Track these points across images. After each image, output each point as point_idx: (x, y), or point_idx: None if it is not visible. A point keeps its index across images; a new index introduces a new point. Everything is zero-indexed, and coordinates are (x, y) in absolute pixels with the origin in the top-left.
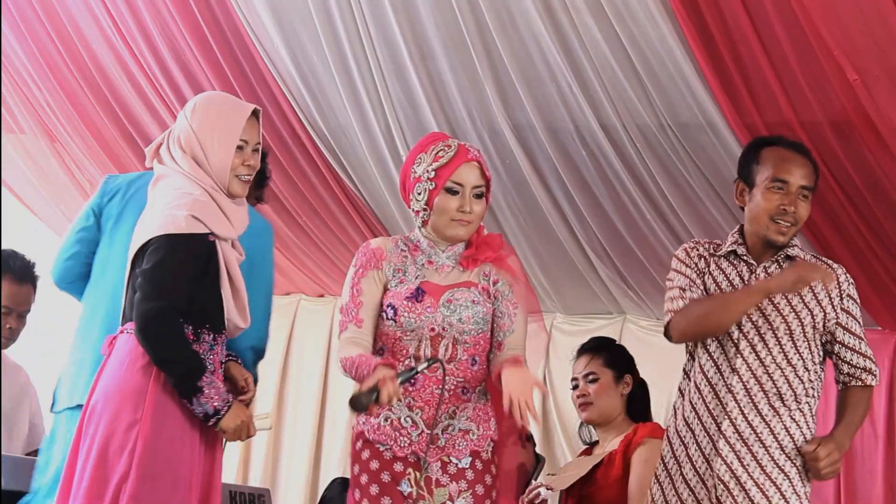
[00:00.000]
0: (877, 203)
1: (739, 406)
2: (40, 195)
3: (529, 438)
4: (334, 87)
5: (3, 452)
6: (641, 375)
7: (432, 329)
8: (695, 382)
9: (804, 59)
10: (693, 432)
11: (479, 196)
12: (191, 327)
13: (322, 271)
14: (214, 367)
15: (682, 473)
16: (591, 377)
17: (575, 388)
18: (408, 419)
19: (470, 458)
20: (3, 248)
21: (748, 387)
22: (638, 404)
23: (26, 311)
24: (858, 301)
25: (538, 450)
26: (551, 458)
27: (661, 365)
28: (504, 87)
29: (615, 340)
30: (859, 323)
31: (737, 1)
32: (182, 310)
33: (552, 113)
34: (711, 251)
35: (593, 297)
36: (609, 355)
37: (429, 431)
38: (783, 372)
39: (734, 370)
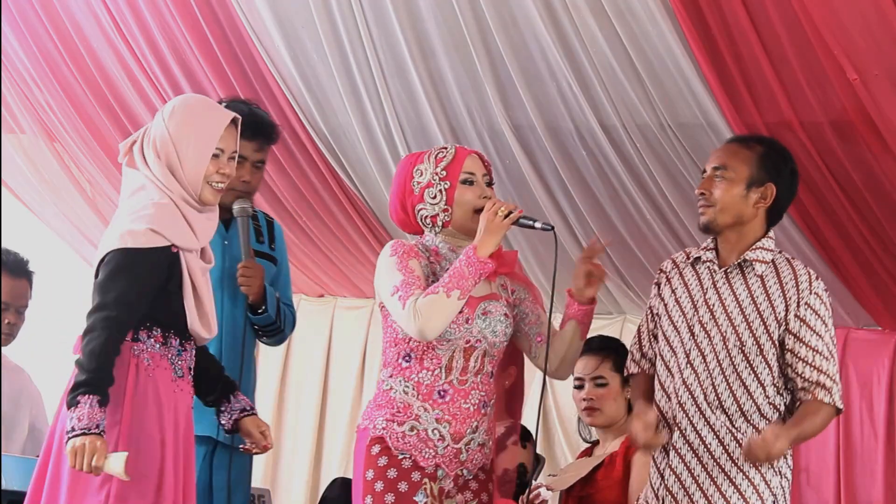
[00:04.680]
0: (877, 203)
1: (689, 418)
2: (40, 195)
3: (529, 438)
4: (334, 87)
5: (2, 452)
6: None
7: (467, 340)
8: (656, 397)
9: (804, 59)
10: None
11: (488, 184)
12: (159, 330)
13: (322, 271)
14: (183, 372)
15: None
16: (599, 381)
17: (579, 387)
18: (435, 431)
19: (477, 471)
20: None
21: (696, 399)
22: None
23: (24, 306)
24: (823, 312)
25: (538, 450)
26: (551, 458)
27: None
28: (504, 87)
29: (620, 340)
30: (818, 335)
31: (737, 0)
32: (127, 321)
33: (552, 113)
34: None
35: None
36: (617, 358)
37: (455, 445)
38: (729, 385)
39: (683, 381)
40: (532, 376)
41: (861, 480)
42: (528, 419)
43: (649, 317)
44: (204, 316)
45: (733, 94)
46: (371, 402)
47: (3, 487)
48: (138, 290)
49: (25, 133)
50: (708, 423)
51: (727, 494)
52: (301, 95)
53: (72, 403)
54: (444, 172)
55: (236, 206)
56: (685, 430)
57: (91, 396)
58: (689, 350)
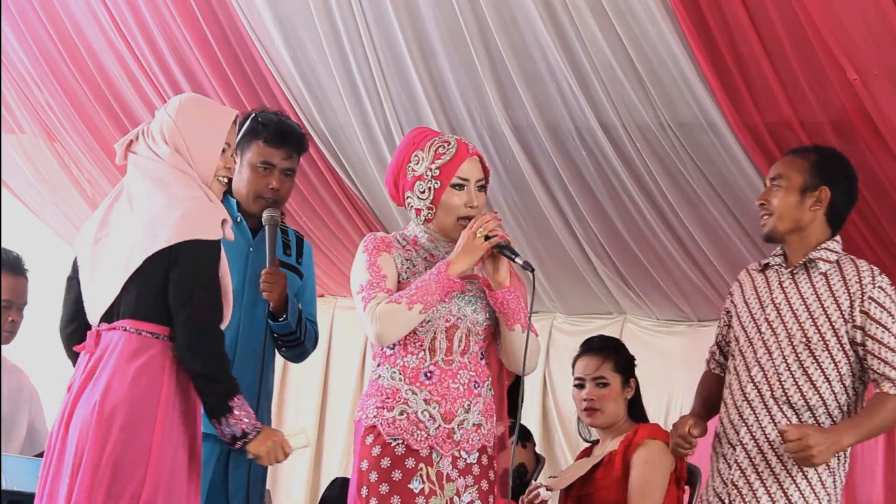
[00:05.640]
0: (877, 203)
1: (756, 414)
2: (40, 195)
3: (529, 438)
4: (334, 87)
5: (2, 452)
6: (641, 375)
7: (447, 320)
8: (724, 395)
9: (804, 58)
10: (721, 442)
11: (481, 189)
12: None
13: (322, 271)
14: None
15: (712, 484)
16: (600, 381)
17: (580, 387)
18: (425, 413)
19: (478, 454)
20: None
21: (763, 396)
22: (638, 405)
23: (24, 304)
24: (889, 304)
25: (538, 450)
26: (551, 458)
27: (661, 365)
28: (504, 87)
29: (620, 340)
30: (884, 327)
31: (737, 0)
32: (222, 317)
33: (552, 113)
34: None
35: (593, 297)
36: (618, 359)
37: (447, 426)
38: (795, 380)
39: (751, 379)
40: (533, 376)
41: (861, 480)
42: (529, 419)
43: (721, 322)
44: (227, 304)
45: (733, 94)
46: (364, 394)
47: (4, 488)
48: (219, 283)
49: (25, 133)
50: (773, 419)
51: (788, 492)
52: (301, 95)
53: (224, 411)
54: (438, 171)
55: (266, 215)
56: (752, 426)
57: (238, 397)
58: (757, 348)
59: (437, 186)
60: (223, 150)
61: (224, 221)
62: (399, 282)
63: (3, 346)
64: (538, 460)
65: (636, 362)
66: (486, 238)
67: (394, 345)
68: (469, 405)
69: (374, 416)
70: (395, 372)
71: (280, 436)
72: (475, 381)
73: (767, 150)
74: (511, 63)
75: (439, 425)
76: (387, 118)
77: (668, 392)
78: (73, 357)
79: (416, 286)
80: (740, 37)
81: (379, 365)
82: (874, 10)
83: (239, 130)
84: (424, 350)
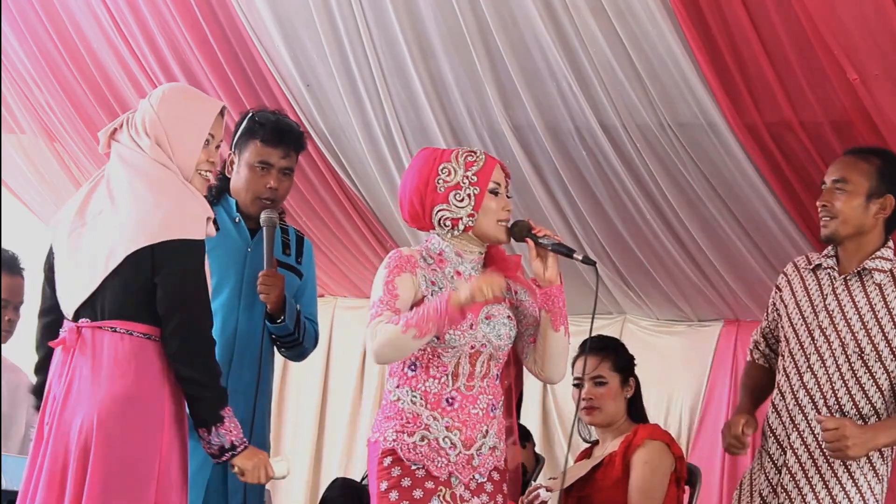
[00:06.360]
0: None
1: (807, 420)
2: (40, 195)
3: (529, 438)
4: (334, 87)
5: (2, 452)
6: (641, 375)
7: (472, 346)
8: (774, 395)
9: (804, 58)
10: (768, 441)
11: (508, 196)
12: None
13: (322, 271)
14: None
15: (756, 481)
16: (598, 381)
17: (578, 386)
18: (446, 440)
19: (489, 472)
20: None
21: (815, 402)
22: (638, 405)
23: (21, 302)
24: None
25: (538, 450)
26: (551, 458)
27: (661, 365)
28: (504, 87)
29: (619, 340)
30: None
31: (737, 0)
32: (212, 319)
33: (552, 113)
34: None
35: (594, 297)
36: (616, 358)
37: (467, 452)
38: (848, 389)
39: (803, 384)
40: (533, 377)
41: None
42: (529, 419)
43: (767, 314)
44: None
45: (733, 94)
46: (379, 414)
47: (4, 488)
48: (207, 286)
49: (25, 133)
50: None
51: (836, 498)
52: (301, 95)
53: (215, 420)
54: (476, 178)
55: (264, 216)
56: (803, 431)
57: (228, 409)
58: (809, 354)
59: (476, 192)
60: (206, 143)
61: (207, 219)
62: (423, 299)
63: (1, 346)
64: (538, 460)
65: (636, 362)
66: (535, 240)
67: (415, 367)
68: (487, 429)
69: (394, 440)
70: (415, 396)
71: (265, 456)
72: (492, 405)
73: (767, 150)
74: (511, 63)
75: (459, 452)
76: (387, 118)
77: (668, 392)
78: (45, 350)
79: (417, 311)
80: (740, 37)
81: (398, 386)
82: (874, 10)
83: (236, 130)
84: (447, 375)
